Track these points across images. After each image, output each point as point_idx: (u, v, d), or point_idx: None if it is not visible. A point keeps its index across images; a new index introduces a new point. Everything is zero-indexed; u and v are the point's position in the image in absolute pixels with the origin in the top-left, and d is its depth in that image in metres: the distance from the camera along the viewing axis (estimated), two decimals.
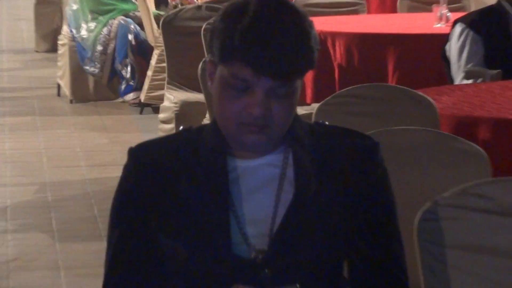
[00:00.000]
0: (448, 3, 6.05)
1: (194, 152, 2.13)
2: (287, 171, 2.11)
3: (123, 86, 8.38)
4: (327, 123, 2.36)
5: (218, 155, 2.11)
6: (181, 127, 2.28)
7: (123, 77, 8.31)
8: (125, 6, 8.52)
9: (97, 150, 7.18)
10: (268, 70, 1.98)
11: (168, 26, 6.55)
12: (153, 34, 7.85)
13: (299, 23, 2.02)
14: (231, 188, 2.09)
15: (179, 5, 7.64)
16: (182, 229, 2.10)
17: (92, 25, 8.38)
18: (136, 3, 8.36)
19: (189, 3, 7.63)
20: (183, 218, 2.10)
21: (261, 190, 2.12)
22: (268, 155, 2.12)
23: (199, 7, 6.77)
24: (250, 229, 2.09)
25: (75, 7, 8.37)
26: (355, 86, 4.00)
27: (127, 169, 2.15)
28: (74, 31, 8.37)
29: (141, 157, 2.16)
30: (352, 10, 7.01)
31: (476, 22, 4.70)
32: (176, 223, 2.11)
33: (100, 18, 8.47)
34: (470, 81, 4.68)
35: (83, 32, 8.34)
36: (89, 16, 8.40)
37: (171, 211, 2.12)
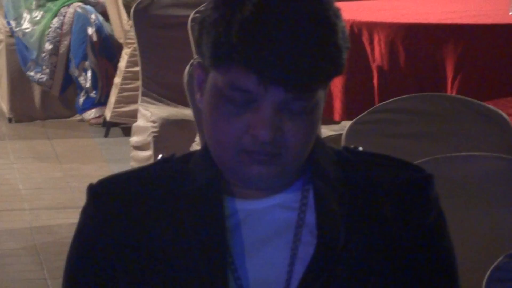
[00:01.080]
0: None
1: (179, 191, 2.10)
2: (307, 216, 2.06)
3: (81, 99, 8.13)
4: (361, 148, 2.29)
5: (212, 194, 2.07)
6: (161, 156, 2.21)
7: (81, 87, 8.04)
8: None
9: (46, 187, 6.97)
10: (278, 77, 1.90)
11: (143, 15, 6.29)
12: (122, 27, 7.62)
13: (320, 11, 1.95)
14: (230, 240, 2.04)
15: None
16: None
17: (37, 14, 8.03)
18: None
19: None
20: (163, 280, 2.06)
21: (272, 241, 2.08)
22: (281, 193, 2.07)
23: None
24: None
25: None
26: (401, 97, 3.99)
27: (86, 213, 2.11)
28: (12, 23, 8.05)
29: (105, 198, 2.12)
30: None
31: None
32: (153, 285, 2.07)
33: (49, 5, 8.13)
34: None
35: (26, 25, 8.00)
36: (34, 3, 8.05)
37: (145, 269, 2.08)
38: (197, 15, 4.75)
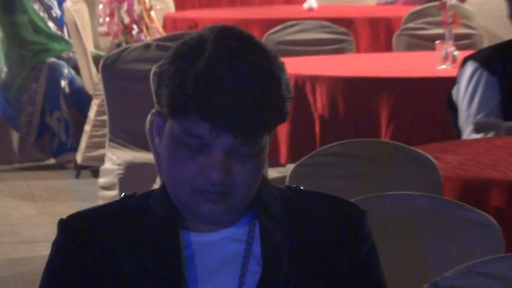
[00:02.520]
0: (455, 39, 5.96)
1: (139, 224, 2.17)
2: (253, 247, 2.13)
3: (55, 145, 8.38)
4: (301, 187, 2.37)
5: (169, 228, 2.14)
6: (123, 194, 2.28)
7: (55, 134, 8.29)
8: (56, 46, 8.45)
9: (23, 223, 7.11)
10: (228, 125, 1.99)
11: (110, 69, 6.45)
12: (91, 79, 7.85)
13: (266, 65, 2.05)
14: (185, 269, 2.11)
15: (123, 43, 7.49)
16: None
17: (16, 68, 8.35)
18: (70, 42, 8.34)
19: (136, 41, 7.47)
20: None
21: (222, 270, 2.13)
22: (230, 227, 2.14)
23: (147, 46, 6.63)
24: None
25: None
26: (339, 142, 4.02)
27: (56, 245, 2.16)
28: None
29: (74, 231, 2.18)
30: (337, 48, 7.06)
31: (491, 61, 4.76)
32: None
33: (26, 60, 8.42)
34: (480, 135, 4.67)
35: (5, 78, 8.33)
36: (13, 58, 8.37)
37: None
38: (157, 69, 4.81)
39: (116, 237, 2.16)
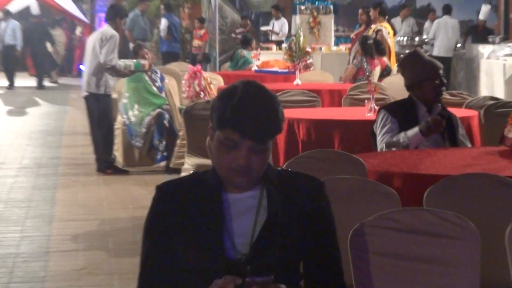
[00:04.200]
0: (375, 100, 7.60)
1: (201, 187, 2.74)
2: (262, 201, 2.70)
3: (158, 156, 10.63)
4: (289, 169, 3.23)
5: (215, 189, 2.71)
6: (193, 171, 3.28)
7: (158, 150, 10.54)
8: (157, 101, 10.70)
9: (139, 197, 9.14)
10: (250, 134, 2.56)
11: (188, 114, 8.57)
12: (178, 120, 10.25)
13: (271, 103, 2.62)
14: (225, 212, 2.70)
15: (195, 99, 9.99)
16: (191, 240, 2.70)
17: (137, 113, 10.55)
18: (166, 99, 10.76)
19: (200, 99, 9.87)
20: (192, 233, 2.70)
21: (245, 214, 2.72)
22: (250, 191, 2.71)
23: (208, 102, 8.61)
24: (237, 239, 2.69)
25: (125, 101, 10.59)
26: (310, 151, 5.18)
27: (155, 199, 2.75)
28: (125, 116, 10.60)
29: (165, 191, 2.78)
30: (311, 104, 8.85)
31: (394, 109, 5.97)
32: (187, 236, 2.71)
33: (142, 109, 10.61)
34: (387, 150, 5.76)
35: (132, 119, 10.54)
36: (135, 107, 10.57)
37: (184, 228, 2.71)
38: (211, 104, 4.92)
39: (189, 193, 2.75)
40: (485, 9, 20.12)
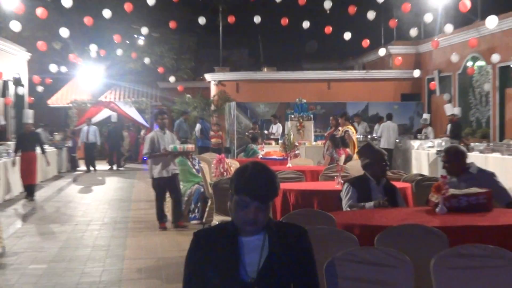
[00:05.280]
0: (341, 177, 7.53)
1: (223, 233, 2.70)
2: (265, 242, 2.64)
3: (192, 216, 10.63)
4: (283, 221, 3.27)
5: (234, 235, 2.67)
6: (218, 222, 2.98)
7: (193, 212, 10.61)
8: (195, 179, 10.92)
9: (183, 242, 9.13)
10: (257, 197, 2.56)
11: (216, 187, 8.50)
12: (209, 191, 9.70)
13: (271, 176, 2.62)
14: (240, 250, 2.66)
15: (220, 177, 9.55)
16: (217, 269, 2.63)
17: (182, 187, 10.75)
18: (200, 176, 10.68)
19: (224, 177, 9.31)
20: (217, 264, 2.64)
21: (253, 251, 2.66)
22: (257, 235, 2.66)
23: (229, 179, 7.31)
24: (248, 268, 2.64)
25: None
26: (298, 210, 5.21)
27: (192, 241, 2.74)
28: None
29: (199, 235, 2.76)
30: (298, 179, 8.75)
31: (353, 182, 5.98)
32: (214, 266, 2.65)
33: (185, 184, 10.88)
34: (349, 209, 5.75)
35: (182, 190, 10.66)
36: (181, 183, 10.66)
37: (212, 261, 2.64)
38: (231, 178, 4.81)
39: (215, 237, 2.70)
40: (425, 116, 20.17)
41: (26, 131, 14.54)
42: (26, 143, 14.21)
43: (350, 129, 14.22)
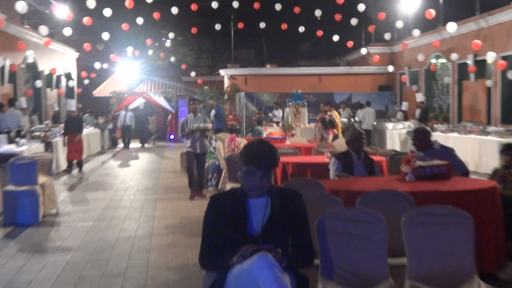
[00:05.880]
0: (329, 152, 7.43)
1: (234, 196, 2.69)
2: (268, 204, 2.61)
3: (209, 184, 10.63)
4: (282, 186, 3.13)
5: (243, 197, 2.64)
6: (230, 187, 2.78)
7: (210, 180, 10.64)
8: (212, 155, 10.85)
9: (202, 205, 8.63)
10: (262, 167, 2.53)
11: (228, 160, 8.43)
12: (223, 164, 9.82)
13: (272, 150, 2.59)
14: (247, 209, 2.63)
15: (232, 152, 9.55)
16: (229, 225, 2.62)
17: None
18: (216, 152, 10.64)
19: (234, 152, 9.18)
20: (230, 221, 2.62)
21: (259, 210, 2.63)
22: (261, 197, 2.63)
23: (238, 154, 7.28)
24: (254, 224, 2.62)
25: None
26: (294, 179, 5.32)
27: (209, 202, 2.70)
28: None
29: (214, 198, 2.72)
30: (295, 154, 8.64)
31: (339, 156, 5.82)
32: (227, 222, 2.63)
33: (209, 155, 10.56)
34: (337, 178, 5.64)
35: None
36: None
37: (225, 218, 2.63)
38: (240, 152, 4.75)
39: (228, 199, 2.67)
40: (405, 103, 19.80)
41: (70, 117, 14.45)
42: (72, 126, 14.12)
43: (335, 113, 14.16)
